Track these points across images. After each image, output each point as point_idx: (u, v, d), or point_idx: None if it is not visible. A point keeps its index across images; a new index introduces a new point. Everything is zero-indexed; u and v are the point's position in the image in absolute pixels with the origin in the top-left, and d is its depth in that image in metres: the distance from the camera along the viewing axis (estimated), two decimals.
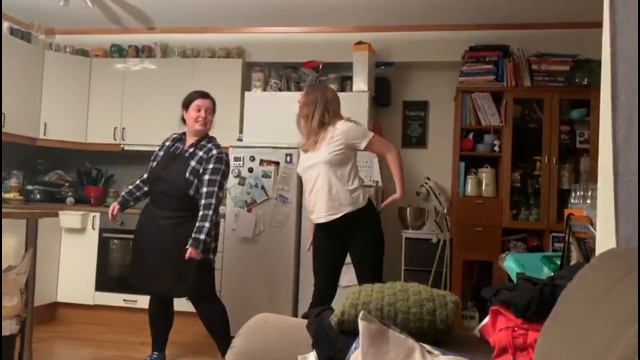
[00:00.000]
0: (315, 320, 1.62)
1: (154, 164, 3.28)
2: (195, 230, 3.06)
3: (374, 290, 1.61)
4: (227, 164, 3.25)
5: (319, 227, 3.13)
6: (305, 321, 1.68)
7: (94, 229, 4.49)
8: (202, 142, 3.24)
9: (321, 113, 3.01)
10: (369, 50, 4.37)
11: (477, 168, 4.31)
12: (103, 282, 4.46)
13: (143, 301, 4.36)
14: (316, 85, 3.18)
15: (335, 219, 2.99)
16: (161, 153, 3.30)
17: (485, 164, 4.30)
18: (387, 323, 1.37)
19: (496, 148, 4.22)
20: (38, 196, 4.70)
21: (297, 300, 4.17)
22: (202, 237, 3.05)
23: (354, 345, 1.35)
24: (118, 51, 4.97)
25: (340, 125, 2.99)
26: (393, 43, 4.63)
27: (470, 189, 4.25)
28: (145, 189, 3.36)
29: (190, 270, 3.10)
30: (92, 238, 4.49)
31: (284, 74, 4.67)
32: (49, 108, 4.73)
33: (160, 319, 3.37)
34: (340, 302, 1.63)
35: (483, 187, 4.24)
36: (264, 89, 4.59)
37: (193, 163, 3.15)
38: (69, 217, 4.44)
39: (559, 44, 4.29)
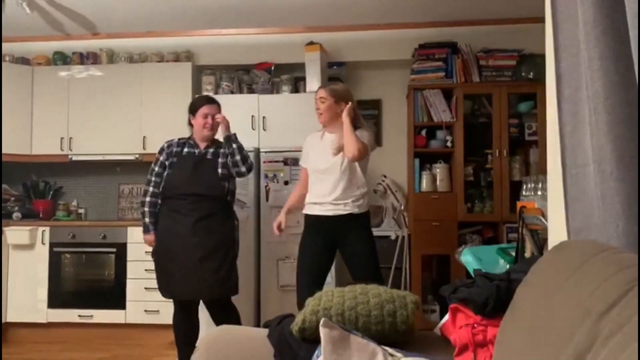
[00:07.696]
0: (277, 329, 1.59)
1: (171, 171, 3.18)
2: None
3: (335, 294, 1.60)
4: None
5: (311, 227, 3.07)
6: (267, 331, 1.65)
7: (43, 243, 4.32)
8: (220, 142, 3.25)
9: (354, 116, 3.01)
10: (320, 51, 4.36)
11: (431, 164, 4.37)
12: (56, 299, 4.29)
13: (99, 316, 4.24)
14: (339, 84, 3.22)
15: (339, 215, 2.96)
16: (175, 159, 3.20)
17: (438, 159, 4.36)
18: (348, 328, 1.36)
19: (449, 144, 4.29)
20: None
21: (259, 307, 4.13)
22: (237, 144, 3.20)
23: (316, 353, 1.33)
24: (61, 58, 4.79)
25: (362, 134, 2.97)
26: (344, 43, 4.64)
27: (425, 184, 4.30)
28: (159, 200, 3.23)
29: (234, 268, 3.18)
30: (42, 253, 4.31)
31: (235, 76, 4.61)
32: None
33: (186, 330, 3.21)
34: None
35: (438, 183, 4.31)
36: (216, 92, 4.52)
37: (221, 159, 3.18)
38: (16, 233, 4.26)
39: (505, 39, 4.39)
